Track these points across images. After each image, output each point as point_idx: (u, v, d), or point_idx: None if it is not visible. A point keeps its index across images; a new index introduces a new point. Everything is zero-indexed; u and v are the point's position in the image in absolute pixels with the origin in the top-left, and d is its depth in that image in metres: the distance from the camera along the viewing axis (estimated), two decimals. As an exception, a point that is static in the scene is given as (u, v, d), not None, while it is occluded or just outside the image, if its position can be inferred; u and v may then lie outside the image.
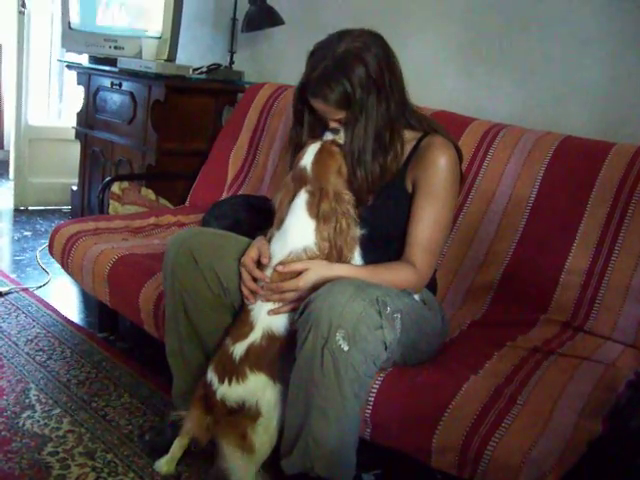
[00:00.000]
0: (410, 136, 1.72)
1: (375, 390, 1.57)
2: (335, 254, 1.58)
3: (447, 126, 2.24)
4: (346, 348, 1.40)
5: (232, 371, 1.60)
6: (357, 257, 1.64)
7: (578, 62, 2.30)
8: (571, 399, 1.54)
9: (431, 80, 2.71)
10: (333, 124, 1.65)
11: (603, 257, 1.92)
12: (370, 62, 1.56)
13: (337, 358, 1.40)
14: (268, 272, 1.61)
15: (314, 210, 1.58)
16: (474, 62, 2.58)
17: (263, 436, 1.60)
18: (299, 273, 1.57)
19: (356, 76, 1.55)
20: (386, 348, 1.48)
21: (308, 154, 1.63)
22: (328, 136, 1.66)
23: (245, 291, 1.65)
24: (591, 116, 2.28)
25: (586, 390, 1.58)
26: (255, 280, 1.64)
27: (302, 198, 1.60)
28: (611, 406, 1.56)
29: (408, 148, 1.71)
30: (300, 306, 1.49)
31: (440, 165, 1.64)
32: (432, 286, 1.80)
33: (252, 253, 1.66)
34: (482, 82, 2.55)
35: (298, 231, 1.60)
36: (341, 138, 1.64)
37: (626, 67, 2.20)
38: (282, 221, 1.63)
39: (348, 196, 1.60)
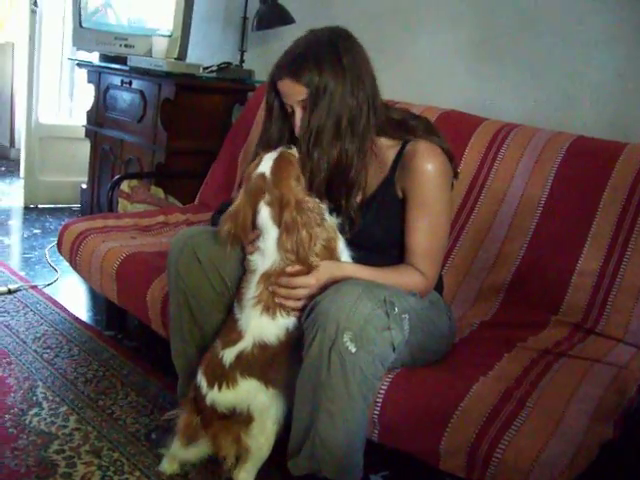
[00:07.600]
0: (389, 143, 1.68)
1: (383, 391, 1.55)
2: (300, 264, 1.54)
3: (457, 126, 2.26)
4: (354, 350, 1.39)
5: (222, 376, 1.57)
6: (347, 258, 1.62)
7: (589, 62, 2.28)
8: (582, 402, 1.52)
9: (442, 79, 2.69)
10: (298, 113, 1.61)
11: (615, 258, 1.90)
12: (342, 51, 1.56)
13: (344, 360, 1.39)
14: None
15: (277, 221, 1.54)
16: (485, 62, 2.56)
17: (260, 438, 1.59)
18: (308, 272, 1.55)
19: (326, 60, 1.55)
20: (394, 349, 1.47)
21: (265, 161, 1.58)
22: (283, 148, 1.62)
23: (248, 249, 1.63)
24: (602, 116, 2.26)
25: (597, 393, 1.56)
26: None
27: (265, 214, 1.55)
28: (623, 410, 1.54)
29: (392, 154, 1.67)
30: (307, 307, 1.48)
31: (428, 173, 1.60)
32: (439, 286, 1.78)
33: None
34: (493, 82, 2.54)
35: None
36: (296, 153, 1.60)
37: (637, 67, 2.18)
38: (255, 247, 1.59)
39: (311, 203, 1.54)
